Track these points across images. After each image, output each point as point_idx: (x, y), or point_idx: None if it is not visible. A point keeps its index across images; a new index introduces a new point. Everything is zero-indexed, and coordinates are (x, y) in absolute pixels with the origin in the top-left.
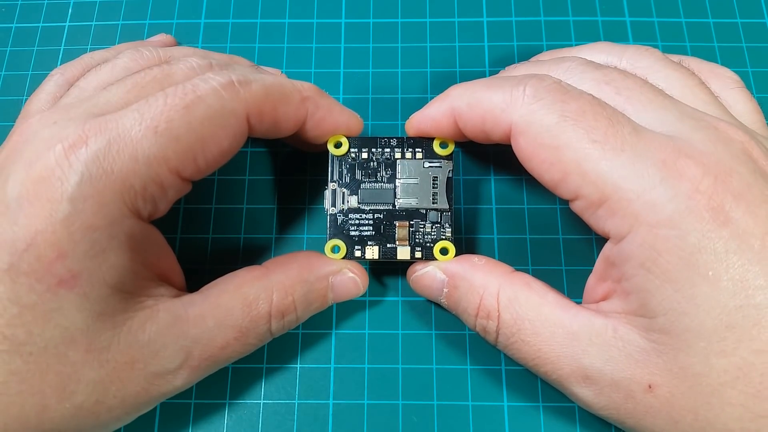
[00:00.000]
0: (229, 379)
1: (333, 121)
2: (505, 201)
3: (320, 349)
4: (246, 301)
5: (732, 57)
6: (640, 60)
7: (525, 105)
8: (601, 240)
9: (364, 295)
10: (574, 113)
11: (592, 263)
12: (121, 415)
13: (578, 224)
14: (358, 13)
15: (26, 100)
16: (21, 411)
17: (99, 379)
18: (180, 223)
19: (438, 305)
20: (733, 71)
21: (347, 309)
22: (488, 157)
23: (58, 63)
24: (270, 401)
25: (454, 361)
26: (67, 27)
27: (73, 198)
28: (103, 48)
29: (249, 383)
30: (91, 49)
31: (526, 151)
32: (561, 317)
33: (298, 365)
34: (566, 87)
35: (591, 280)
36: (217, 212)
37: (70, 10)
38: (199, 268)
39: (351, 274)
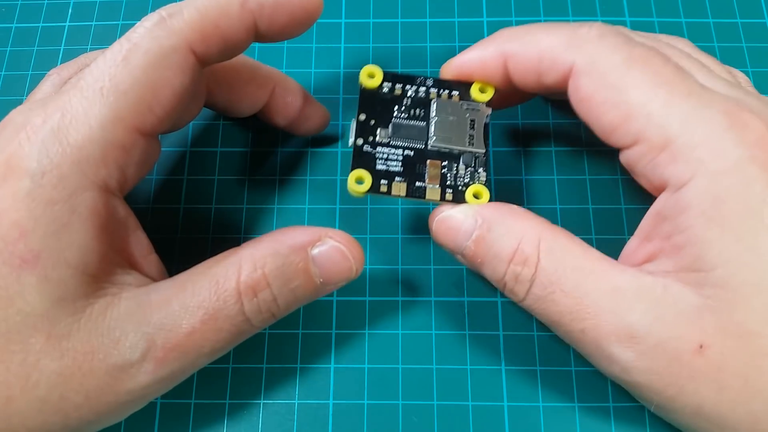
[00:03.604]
0: (229, 379)
1: (286, 12)
2: (507, 201)
3: (320, 349)
4: (213, 279)
5: (732, 57)
6: (674, 45)
7: (592, 42)
8: (602, 240)
9: (364, 295)
10: (642, 56)
11: None
12: (89, 416)
13: (579, 225)
14: (358, 13)
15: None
16: None
17: (60, 370)
18: (180, 223)
19: (438, 304)
20: None
21: (347, 309)
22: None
23: (58, 63)
24: (270, 401)
25: (454, 361)
26: (67, 27)
27: (34, 174)
28: (102, 48)
29: (249, 383)
30: (91, 49)
31: (588, 91)
32: (606, 270)
33: (298, 365)
34: (630, 35)
35: (632, 243)
36: (216, 212)
37: (70, 10)
38: None
39: (334, 242)
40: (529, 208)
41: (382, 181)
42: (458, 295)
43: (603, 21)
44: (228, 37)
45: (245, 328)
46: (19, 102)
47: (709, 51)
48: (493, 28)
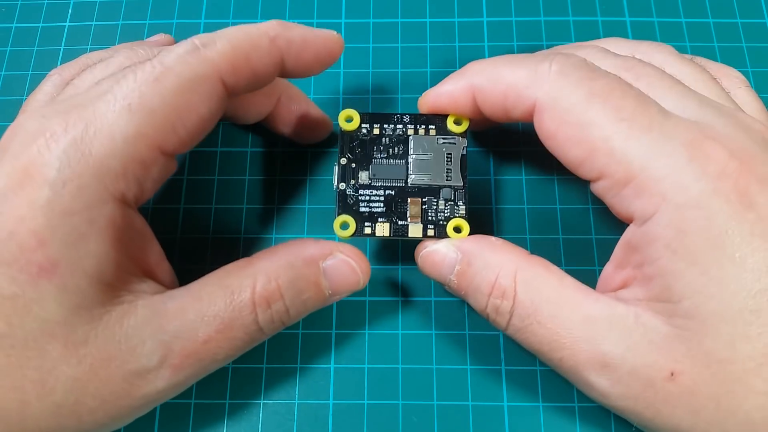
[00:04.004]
0: (229, 379)
1: (311, 52)
2: (507, 201)
3: (320, 349)
4: (228, 290)
5: (732, 57)
6: (653, 55)
7: (551, 81)
8: (603, 240)
9: (364, 295)
10: (602, 90)
11: (594, 263)
12: (104, 420)
13: (580, 224)
14: (358, 13)
15: (25, 100)
16: (2, 406)
17: (77, 376)
18: (180, 223)
19: (437, 304)
20: None
21: (347, 309)
22: (490, 158)
23: (58, 63)
24: (270, 401)
25: (454, 361)
26: (67, 27)
27: (54, 183)
28: (103, 48)
29: (249, 383)
30: (91, 49)
31: (551, 128)
32: (581, 301)
33: (298, 365)
34: (592, 65)
35: (608, 268)
36: (216, 212)
37: (70, 10)
38: (199, 268)
39: (344, 257)
40: (529, 209)
41: (366, 224)
42: None
43: (603, 21)
44: (256, 71)
45: (257, 336)
46: (20, 102)
47: (709, 51)
48: (493, 27)
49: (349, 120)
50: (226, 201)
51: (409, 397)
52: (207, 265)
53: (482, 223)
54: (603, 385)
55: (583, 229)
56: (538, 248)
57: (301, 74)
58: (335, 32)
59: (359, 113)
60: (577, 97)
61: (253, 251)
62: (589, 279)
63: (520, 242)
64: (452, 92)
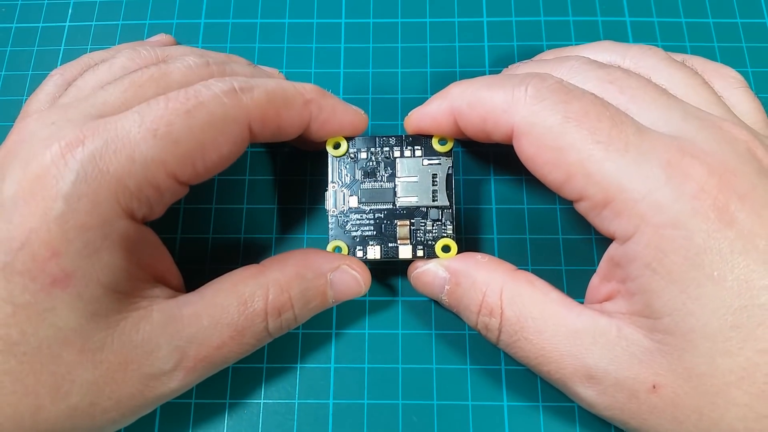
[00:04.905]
0: (229, 379)
1: (337, 122)
2: (505, 201)
3: (320, 349)
4: (241, 299)
5: (732, 57)
6: (643, 59)
7: (527, 106)
8: (602, 240)
9: (364, 295)
10: (577, 114)
11: (593, 263)
12: (116, 417)
13: (578, 224)
14: (358, 13)
15: (26, 100)
16: (15, 411)
17: (93, 379)
18: (180, 223)
19: (438, 304)
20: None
21: (347, 309)
22: (488, 157)
23: (58, 63)
24: (270, 401)
25: (454, 361)
26: (67, 27)
27: (68, 196)
28: (103, 48)
29: (249, 383)
30: (91, 49)
31: (529, 152)
32: (565, 316)
33: (298, 365)
34: (568, 87)
35: (594, 280)
36: (217, 212)
37: (70, 10)
38: (199, 268)
39: (351, 271)
40: (529, 208)
41: (358, 248)
42: None
43: (603, 21)
44: (283, 126)
45: (265, 340)
46: (20, 102)
47: (709, 51)
48: (493, 27)
49: (337, 146)
50: (226, 201)
51: (409, 397)
52: (207, 265)
53: (483, 224)
54: (589, 396)
55: (582, 229)
56: (538, 248)
57: (321, 139)
58: (363, 111)
59: (346, 139)
60: (553, 122)
61: (253, 251)
62: (588, 278)
63: (519, 242)
64: (434, 114)
